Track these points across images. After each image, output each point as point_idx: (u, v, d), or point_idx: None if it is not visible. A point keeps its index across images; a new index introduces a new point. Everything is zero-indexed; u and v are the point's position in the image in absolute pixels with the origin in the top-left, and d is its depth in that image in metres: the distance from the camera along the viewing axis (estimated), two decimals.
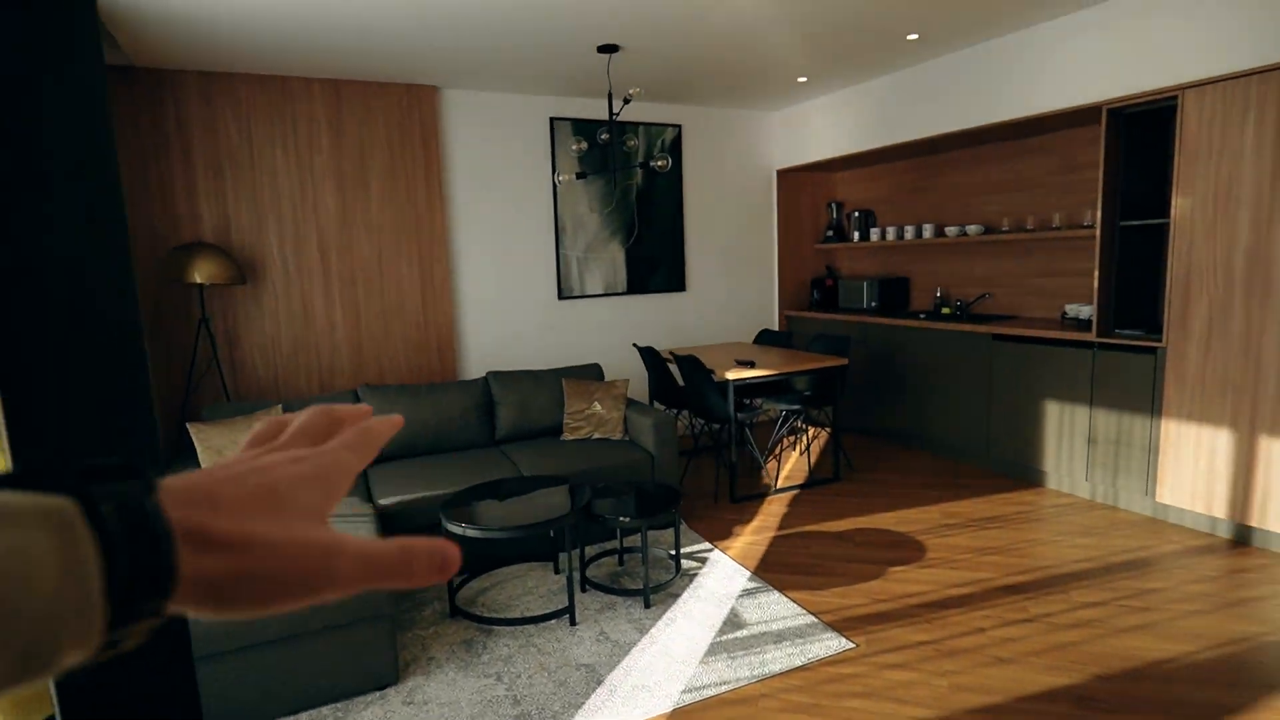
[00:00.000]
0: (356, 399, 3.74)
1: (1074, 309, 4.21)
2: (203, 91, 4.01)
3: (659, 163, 4.06)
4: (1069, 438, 3.98)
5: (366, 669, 2.41)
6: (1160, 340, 3.49)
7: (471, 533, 2.71)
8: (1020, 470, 4.29)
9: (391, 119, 4.48)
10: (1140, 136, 3.59)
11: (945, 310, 4.94)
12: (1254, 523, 3.23)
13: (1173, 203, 3.37)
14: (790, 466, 4.72)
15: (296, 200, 4.29)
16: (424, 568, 0.32)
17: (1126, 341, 3.65)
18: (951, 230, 4.91)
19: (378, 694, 2.43)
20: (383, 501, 3.13)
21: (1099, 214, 3.68)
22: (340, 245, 4.42)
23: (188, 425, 3.30)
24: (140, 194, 3.90)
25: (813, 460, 4.73)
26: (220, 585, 0.28)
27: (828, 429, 5.29)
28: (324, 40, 3.57)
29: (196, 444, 3.23)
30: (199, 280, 3.69)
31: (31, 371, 0.54)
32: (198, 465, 3.18)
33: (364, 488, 3.30)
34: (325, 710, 2.34)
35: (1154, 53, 3.38)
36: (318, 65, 4.01)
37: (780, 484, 4.36)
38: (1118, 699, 2.23)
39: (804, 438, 5.06)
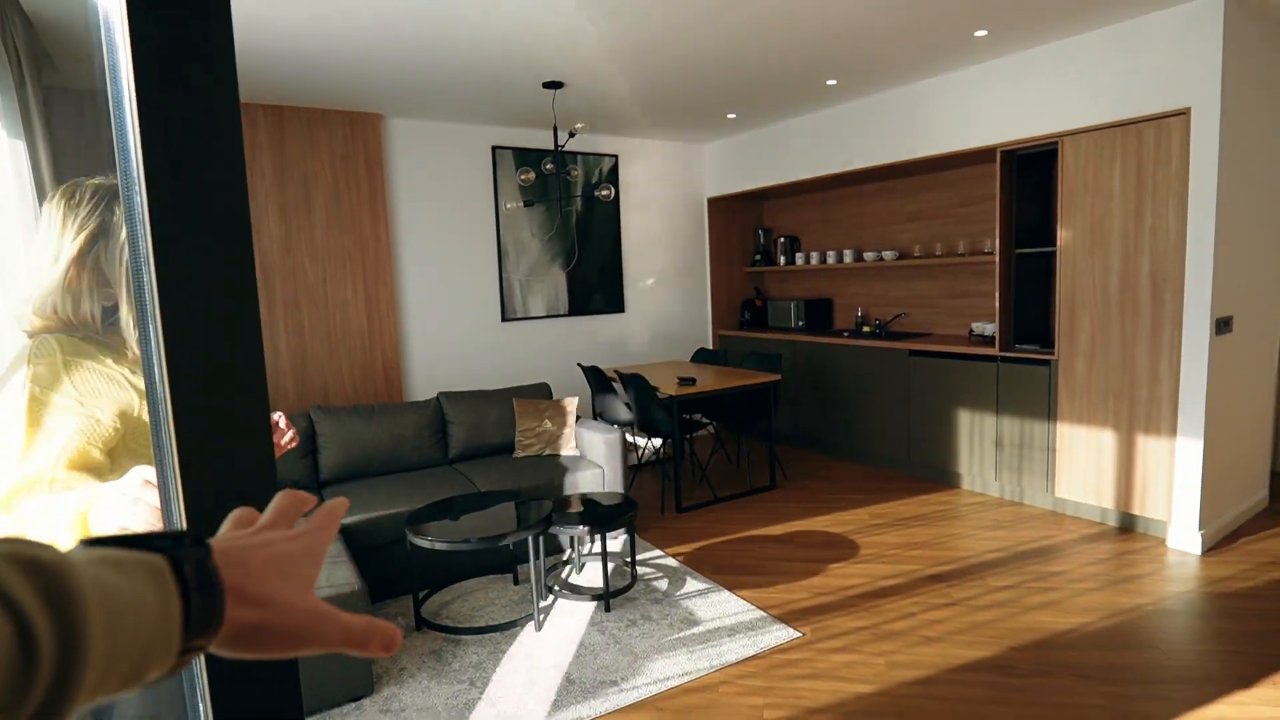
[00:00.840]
0: (310, 420, 3.76)
1: (980, 326, 4.68)
2: None
3: (603, 192, 4.29)
4: (979, 442, 4.40)
5: (341, 680, 2.47)
6: (1053, 353, 3.95)
7: (439, 545, 2.81)
8: (938, 473, 4.69)
9: (336, 147, 4.54)
10: (1030, 175, 4.08)
11: (866, 329, 5.35)
12: (1135, 510, 3.68)
13: (1058, 233, 3.84)
14: (730, 478, 4.98)
15: None
16: (378, 643, 0.42)
17: (1025, 355, 4.09)
18: (869, 255, 5.34)
19: (353, 705, 2.49)
20: (345, 520, 3.18)
21: (998, 242, 4.14)
22: (284, 270, 4.42)
23: None
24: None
25: (751, 471, 5.01)
26: (245, 632, 0.38)
27: (763, 441, 5.59)
28: (270, 68, 3.63)
29: None
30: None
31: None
32: None
33: None
34: None
35: (1040, 103, 3.87)
36: (261, 91, 4.05)
37: (722, 494, 4.61)
38: (1031, 665, 2.55)
39: (741, 450, 5.34)
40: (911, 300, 5.33)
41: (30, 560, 0.29)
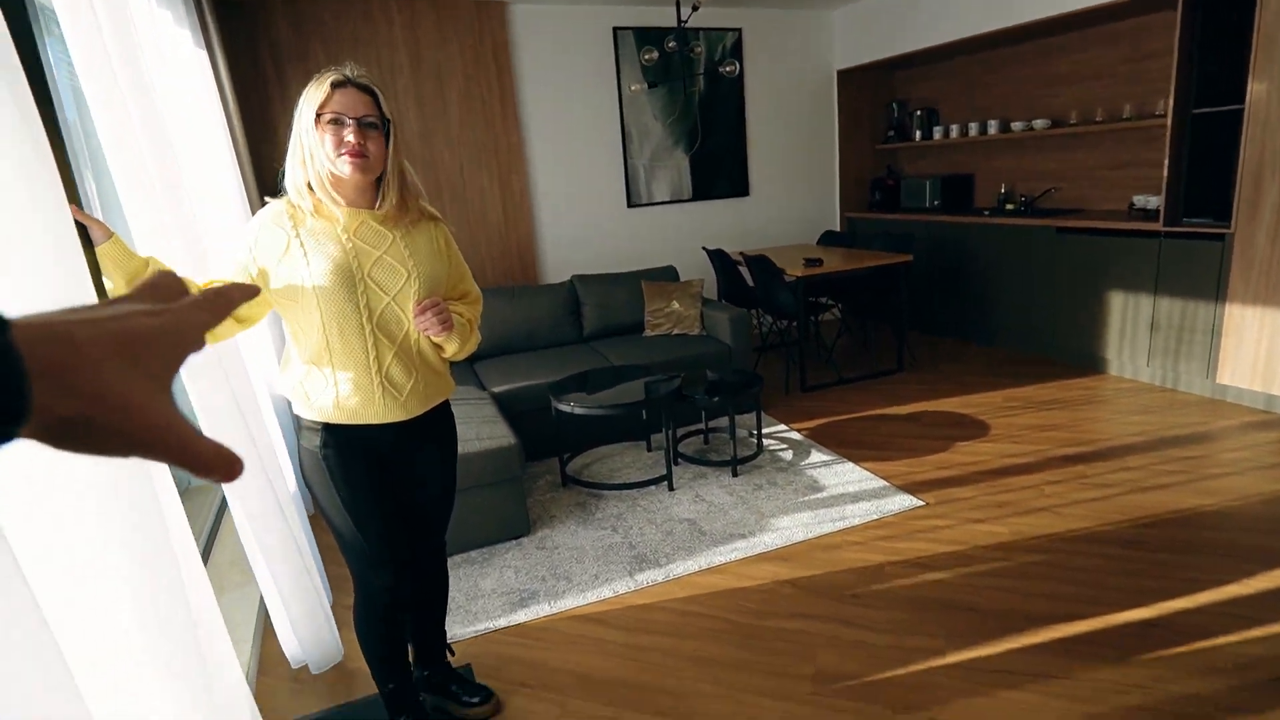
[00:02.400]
0: None
1: (1142, 199, 4.27)
2: (291, 21, 4.24)
3: (727, 68, 4.18)
4: (1131, 326, 4.13)
5: (503, 521, 2.84)
6: (1228, 227, 3.58)
7: (580, 410, 3.08)
8: (1083, 359, 4.47)
9: (464, 38, 4.65)
10: (1217, 20, 3.56)
11: (1010, 206, 5.02)
12: None
13: (1248, 87, 3.39)
14: (855, 360, 4.98)
15: None
16: (222, 470, 0.35)
17: (1194, 230, 3.73)
18: (1017, 125, 4.93)
19: (514, 542, 2.87)
20: (495, 389, 3.52)
21: (1171, 102, 3.70)
22: (424, 161, 4.69)
23: None
24: (250, 128, 4.21)
25: (877, 354, 4.98)
26: (68, 425, 0.30)
27: (891, 325, 5.49)
28: None
29: None
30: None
31: None
32: None
33: (475, 378, 3.70)
34: (474, 553, 2.79)
35: None
36: None
37: (847, 375, 4.64)
38: (1162, 542, 2.52)
39: (869, 333, 5.29)
40: (1064, 173, 4.91)
41: None
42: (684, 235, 5.58)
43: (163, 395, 0.33)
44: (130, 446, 0.32)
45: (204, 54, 3.03)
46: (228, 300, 0.39)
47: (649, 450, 3.70)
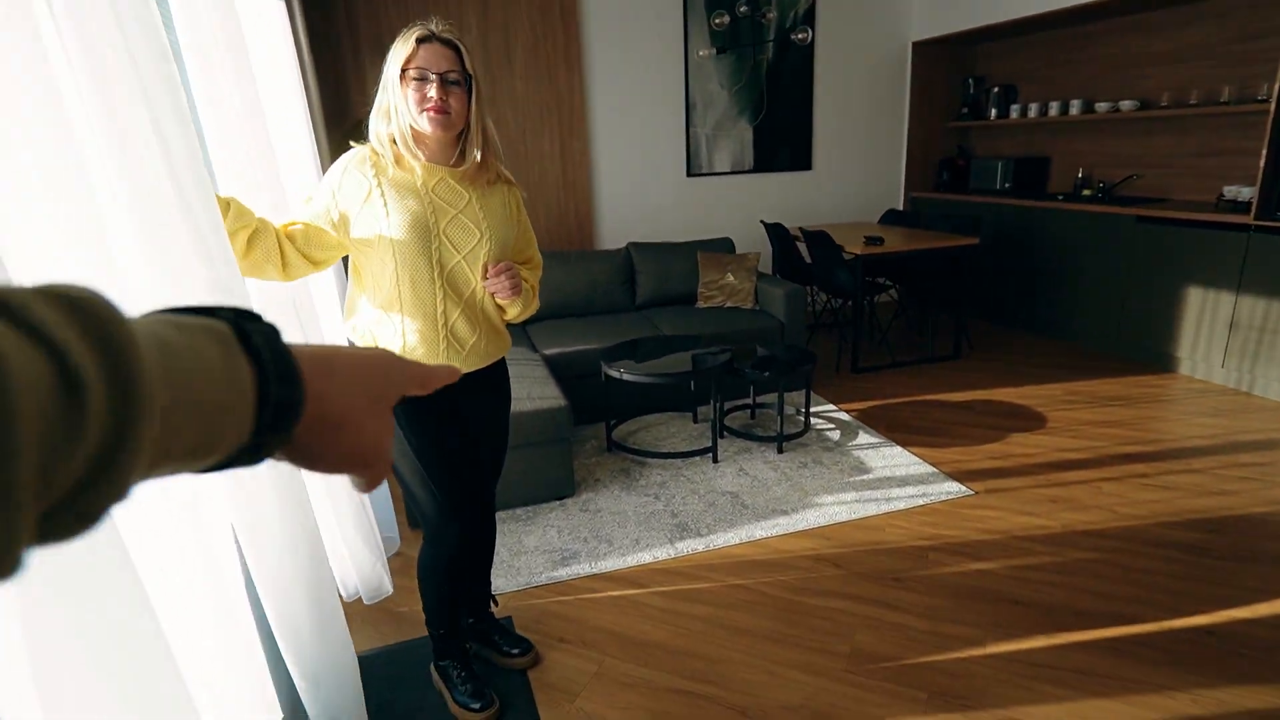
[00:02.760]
0: None
1: (1233, 190, 4.03)
2: None
3: (799, 35, 4.07)
4: (1209, 324, 3.94)
5: (549, 481, 2.90)
6: None
7: (629, 377, 3.10)
8: (1152, 355, 4.29)
9: None
10: None
11: (1086, 192, 4.79)
12: None
13: None
14: (911, 344, 4.88)
15: None
16: (375, 484, 0.43)
17: None
18: (1102, 105, 4.68)
19: (558, 503, 2.93)
20: (546, 351, 3.57)
21: (1277, 86, 3.46)
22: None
23: None
24: (322, 83, 4.29)
25: (934, 339, 4.86)
26: (318, 435, 0.36)
27: (951, 310, 5.35)
28: None
29: None
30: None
31: None
32: None
33: (528, 340, 3.75)
34: (519, 511, 2.87)
35: None
36: None
37: (900, 358, 4.55)
38: (1228, 549, 2.43)
39: (926, 318, 5.16)
40: (1148, 159, 4.66)
41: (67, 298, 0.26)
42: (743, 207, 5.50)
43: (385, 417, 0.41)
44: (354, 463, 0.39)
45: (282, 5, 3.09)
46: (437, 379, 0.46)
47: (695, 422, 3.71)
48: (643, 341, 3.54)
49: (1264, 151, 3.56)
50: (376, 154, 1.52)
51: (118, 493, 0.27)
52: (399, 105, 1.46)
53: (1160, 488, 2.85)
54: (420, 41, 1.45)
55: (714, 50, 4.47)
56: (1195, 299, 3.98)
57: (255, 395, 0.32)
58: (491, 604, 2.09)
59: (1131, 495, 2.80)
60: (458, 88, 1.48)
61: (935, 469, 3.07)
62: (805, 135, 5.55)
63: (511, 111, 4.74)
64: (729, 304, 4.20)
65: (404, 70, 1.45)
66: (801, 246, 4.70)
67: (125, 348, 0.26)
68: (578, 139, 4.91)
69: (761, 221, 5.02)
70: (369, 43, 4.36)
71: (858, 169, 5.82)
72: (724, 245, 4.54)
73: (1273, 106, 3.50)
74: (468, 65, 1.49)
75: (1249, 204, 3.77)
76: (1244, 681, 1.85)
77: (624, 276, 4.30)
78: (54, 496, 0.24)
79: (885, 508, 2.79)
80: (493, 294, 1.58)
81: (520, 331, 3.91)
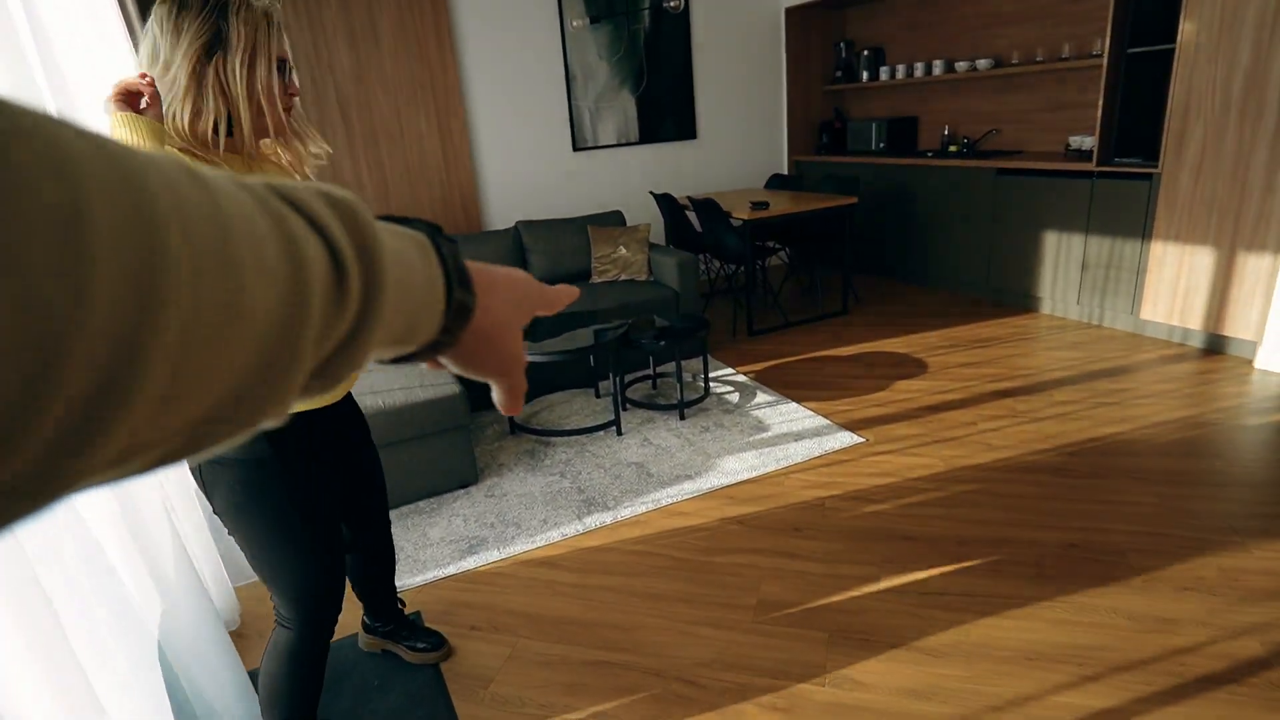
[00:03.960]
0: None
1: (1078, 140, 4.36)
2: None
3: (672, 3, 4.07)
4: (1064, 265, 4.27)
5: (450, 470, 2.83)
6: (1156, 166, 3.69)
7: (526, 357, 3.05)
8: (1018, 298, 4.62)
9: None
10: None
11: (953, 148, 5.07)
12: (1225, 332, 3.58)
13: (1180, 27, 3.45)
14: (802, 304, 5.05)
15: (311, 57, 4.31)
16: (520, 399, 0.47)
17: (1124, 170, 3.84)
18: (961, 65, 4.94)
19: (462, 490, 2.87)
20: None
21: (1108, 41, 3.75)
22: (359, 103, 4.48)
23: None
24: None
25: (823, 297, 5.05)
26: (476, 340, 0.41)
27: (838, 269, 5.56)
28: None
29: None
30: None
31: None
32: None
33: None
34: (422, 504, 2.79)
35: None
36: None
37: (793, 319, 4.70)
38: (1086, 468, 2.67)
39: (815, 277, 5.35)
40: (1004, 115, 4.97)
41: (333, 198, 0.30)
42: (631, 179, 5.50)
43: (520, 331, 0.46)
44: (499, 366, 0.44)
45: None
46: (560, 303, 0.50)
47: (598, 397, 3.72)
48: (539, 321, 3.49)
49: (1100, 102, 3.86)
50: (194, 156, 1.24)
51: (359, 361, 0.32)
52: (269, 94, 1.27)
53: (1028, 419, 3.08)
54: (276, 23, 1.26)
55: (588, 20, 4.41)
56: (1052, 242, 4.31)
57: (445, 295, 0.38)
58: (398, 604, 2.03)
59: (1004, 428, 3.02)
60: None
61: (829, 421, 3.20)
62: (688, 104, 5.59)
63: (383, 90, 4.52)
64: (623, 277, 4.20)
65: (282, 61, 1.28)
66: (691, 215, 4.75)
67: (374, 244, 0.30)
68: (455, 117, 4.74)
69: (650, 192, 5.04)
70: None
71: (741, 136, 5.92)
72: (615, 219, 4.52)
73: (1105, 61, 3.80)
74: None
75: (1091, 152, 4.09)
76: (1100, 583, 2.04)
77: (515, 256, 4.22)
78: (318, 360, 0.28)
79: (785, 463, 2.89)
80: None
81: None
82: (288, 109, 1.32)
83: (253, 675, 1.75)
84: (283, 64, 1.28)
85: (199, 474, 1.33)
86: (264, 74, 1.25)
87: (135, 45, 1.92)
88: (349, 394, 1.56)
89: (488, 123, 4.91)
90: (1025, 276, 4.51)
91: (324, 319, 0.27)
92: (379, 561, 1.85)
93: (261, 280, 0.23)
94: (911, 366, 3.78)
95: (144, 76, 1.19)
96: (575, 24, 4.53)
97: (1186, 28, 3.43)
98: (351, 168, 4.53)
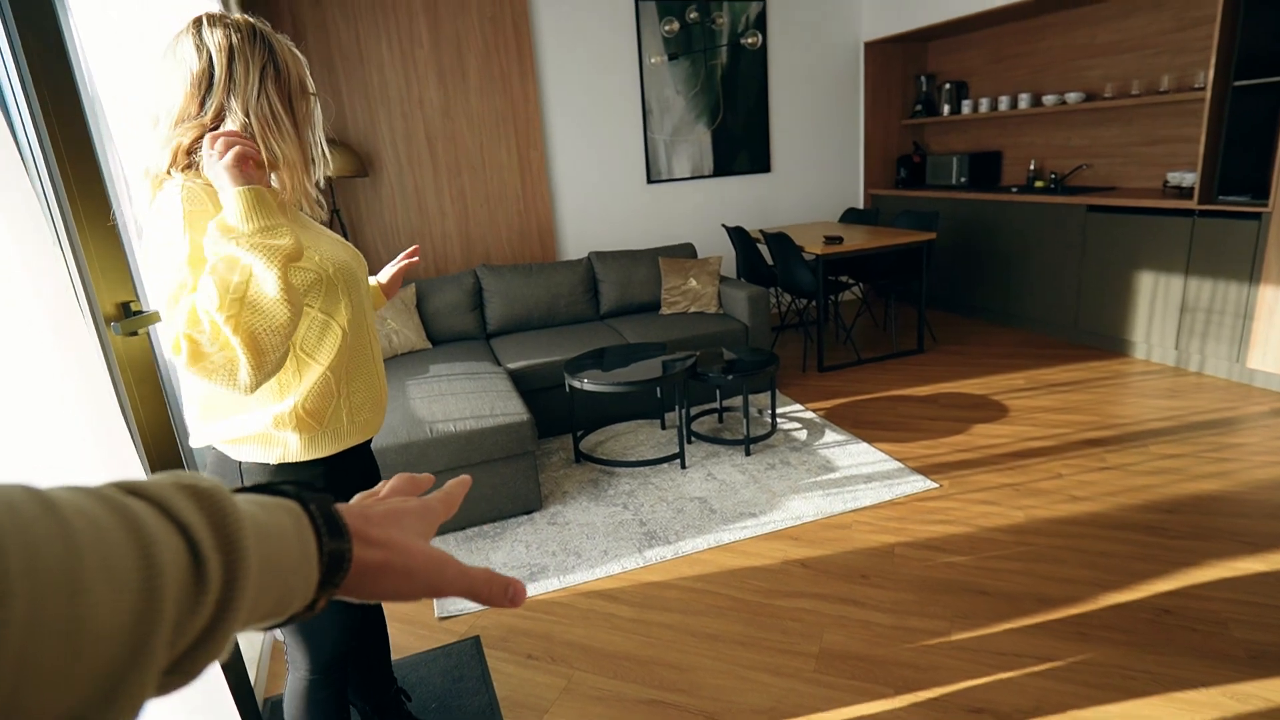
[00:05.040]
0: (476, 278, 4.12)
1: (1176, 177, 4.14)
2: None
3: (749, 40, 4.10)
4: (1161, 308, 4.03)
5: (515, 496, 2.87)
6: (1266, 205, 3.45)
7: (592, 387, 3.09)
8: (1108, 341, 4.38)
9: (484, 8, 4.60)
10: None
11: (1039, 183, 4.89)
12: None
13: None
14: (875, 340, 4.92)
15: (403, 94, 4.54)
16: (501, 593, 0.44)
17: (1229, 208, 3.61)
18: (1049, 99, 4.78)
19: (526, 517, 2.90)
20: (510, 365, 3.54)
21: (1211, 73, 3.56)
22: (445, 136, 4.69)
23: None
24: None
25: (898, 334, 4.91)
26: (369, 571, 0.41)
27: (913, 304, 5.42)
28: None
29: None
30: (329, 174, 4.04)
31: None
32: None
33: (491, 355, 3.71)
34: (487, 527, 2.83)
35: None
36: None
37: (866, 355, 4.59)
38: (1186, 528, 2.48)
39: (890, 313, 5.22)
40: (1096, 150, 4.76)
41: (196, 489, 0.31)
42: (704, 212, 5.53)
43: (426, 543, 0.45)
44: (419, 582, 0.43)
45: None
46: (455, 499, 0.52)
47: (663, 428, 3.71)
48: (608, 350, 3.53)
49: (1203, 138, 3.66)
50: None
51: (218, 652, 0.31)
52: (310, 122, 1.20)
53: (1118, 470, 2.90)
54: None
55: (666, 57, 4.51)
56: (1147, 283, 4.07)
57: (317, 552, 0.38)
58: (403, 699, 1.85)
59: (1091, 480, 2.84)
60: None
61: (901, 464, 3.09)
62: (763, 138, 5.59)
63: (468, 125, 4.72)
64: (693, 309, 4.20)
65: (304, 86, 1.19)
66: (763, 249, 4.73)
67: (236, 530, 0.31)
68: (535, 149, 4.89)
69: (723, 225, 5.04)
70: (317, 55, 4.31)
71: (816, 169, 5.88)
72: (686, 250, 4.55)
73: (1208, 94, 3.60)
74: None
75: (1192, 189, 3.86)
76: (1199, 656, 1.88)
77: (587, 286, 4.29)
78: (172, 658, 0.28)
79: (852, 505, 2.80)
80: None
81: (484, 345, 3.88)
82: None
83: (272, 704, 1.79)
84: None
85: None
86: (297, 95, 1.17)
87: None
88: (369, 448, 1.44)
89: (565, 154, 5.05)
90: (1116, 318, 4.27)
91: (179, 616, 0.27)
92: (374, 629, 1.72)
93: (110, 593, 0.24)
94: (991, 410, 3.62)
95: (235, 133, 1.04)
96: (654, 60, 4.63)
97: None
98: (435, 197, 4.72)
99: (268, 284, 1.00)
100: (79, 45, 1.60)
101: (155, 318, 1.43)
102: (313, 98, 1.20)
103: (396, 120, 4.56)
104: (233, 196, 1.00)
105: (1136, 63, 4.40)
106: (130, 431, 1.36)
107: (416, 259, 1.52)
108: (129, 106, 1.74)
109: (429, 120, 4.63)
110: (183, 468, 1.63)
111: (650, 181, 5.31)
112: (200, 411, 1.21)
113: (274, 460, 1.22)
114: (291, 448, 1.21)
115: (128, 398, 1.36)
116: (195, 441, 1.24)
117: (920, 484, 2.92)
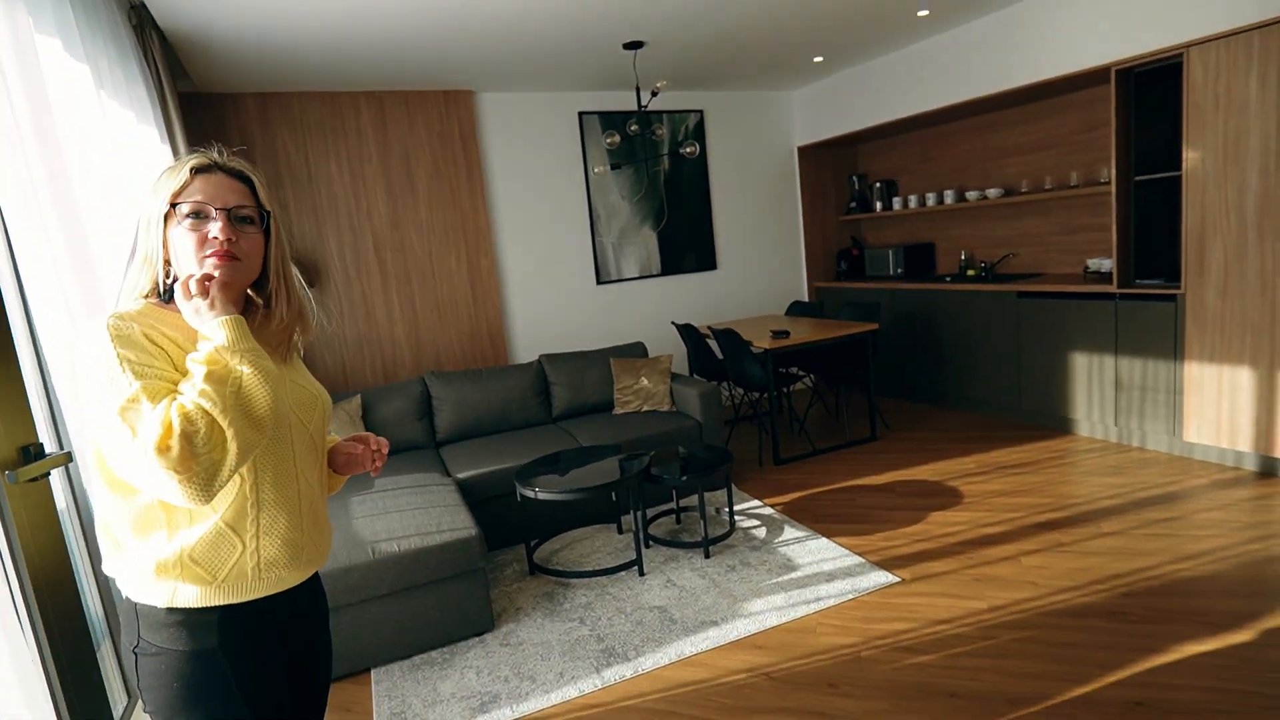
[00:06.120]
0: (424, 386, 4.06)
1: (1095, 263, 4.38)
2: (260, 112, 4.33)
3: (688, 149, 4.30)
4: (1097, 386, 4.17)
5: (465, 618, 2.72)
6: (1179, 287, 3.66)
7: (544, 495, 3.01)
8: (1051, 420, 4.49)
9: (432, 125, 4.77)
10: (1149, 94, 3.74)
11: (971, 272, 5.12)
12: (1279, 453, 3.40)
13: (1184, 155, 3.53)
14: (829, 430, 4.96)
15: (352, 208, 4.61)
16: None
17: (1147, 291, 3.82)
18: (972, 194, 5.08)
19: (477, 639, 2.74)
20: (460, 475, 3.44)
21: (1114, 170, 3.85)
22: (393, 246, 4.73)
23: None
24: None
25: (850, 423, 4.96)
26: None
27: (862, 393, 5.51)
28: (367, 56, 3.84)
29: None
30: None
31: None
32: None
33: (440, 464, 3.61)
34: (435, 654, 2.66)
35: (1158, 13, 3.53)
36: (362, 80, 4.30)
37: (820, 445, 4.60)
38: (1144, 611, 2.46)
39: (840, 401, 5.29)
40: (1020, 240, 5.04)
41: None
42: (654, 311, 5.63)
43: None
44: None
45: (169, 149, 3.07)
46: None
47: (620, 532, 3.61)
48: (561, 455, 3.47)
49: (1114, 227, 3.90)
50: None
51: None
52: (155, 252, 1.11)
53: (1073, 552, 2.90)
54: (197, 171, 1.11)
55: (608, 167, 4.69)
56: (1081, 363, 4.23)
57: None
58: None
59: (1051, 565, 2.83)
60: (251, 226, 1.14)
61: (862, 559, 3.05)
62: (707, 237, 5.79)
63: (417, 235, 4.78)
64: (646, 408, 4.20)
65: (173, 204, 1.09)
66: (713, 343, 4.80)
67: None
68: (485, 256, 4.96)
69: (673, 323, 5.13)
70: (266, 171, 4.36)
71: (760, 265, 6.08)
72: (637, 350, 4.58)
73: (1113, 188, 3.87)
74: (263, 199, 1.16)
75: (1111, 274, 4.09)
76: None
77: (538, 389, 4.26)
78: None
79: (816, 607, 2.72)
80: (374, 470, 1.35)
81: (433, 455, 3.78)
82: (222, 265, 1.11)
83: None
84: (200, 212, 1.11)
85: (134, 667, 1.12)
86: (154, 224, 1.12)
87: None
88: (313, 577, 1.31)
89: (515, 259, 5.13)
90: (1057, 398, 4.40)
91: None
92: None
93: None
94: (946, 496, 3.63)
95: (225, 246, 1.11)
96: (598, 170, 4.81)
97: (1190, 155, 3.50)
98: (384, 304, 4.71)
99: (258, 400, 1.02)
100: None
101: (63, 459, 1.34)
102: (167, 218, 1.11)
103: (345, 233, 4.59)
104: (217, 326, 1.04)
105: (1049, 160, 4.74)
106: (13, 589, 1.24)
107: (379, 464, 1.37)
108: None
109: (377, 231, 4.68)
110: (87, 633, 1.49)
111: (600, 283, 5.41)
112: (108, 539, 1.09)
113: (162, 604, 1.08)
114: (182, 594, 1.08)
115: (21, 552, 1.25)
116: (106, 568, 1.13)
117: (882, 578, 2.86)
